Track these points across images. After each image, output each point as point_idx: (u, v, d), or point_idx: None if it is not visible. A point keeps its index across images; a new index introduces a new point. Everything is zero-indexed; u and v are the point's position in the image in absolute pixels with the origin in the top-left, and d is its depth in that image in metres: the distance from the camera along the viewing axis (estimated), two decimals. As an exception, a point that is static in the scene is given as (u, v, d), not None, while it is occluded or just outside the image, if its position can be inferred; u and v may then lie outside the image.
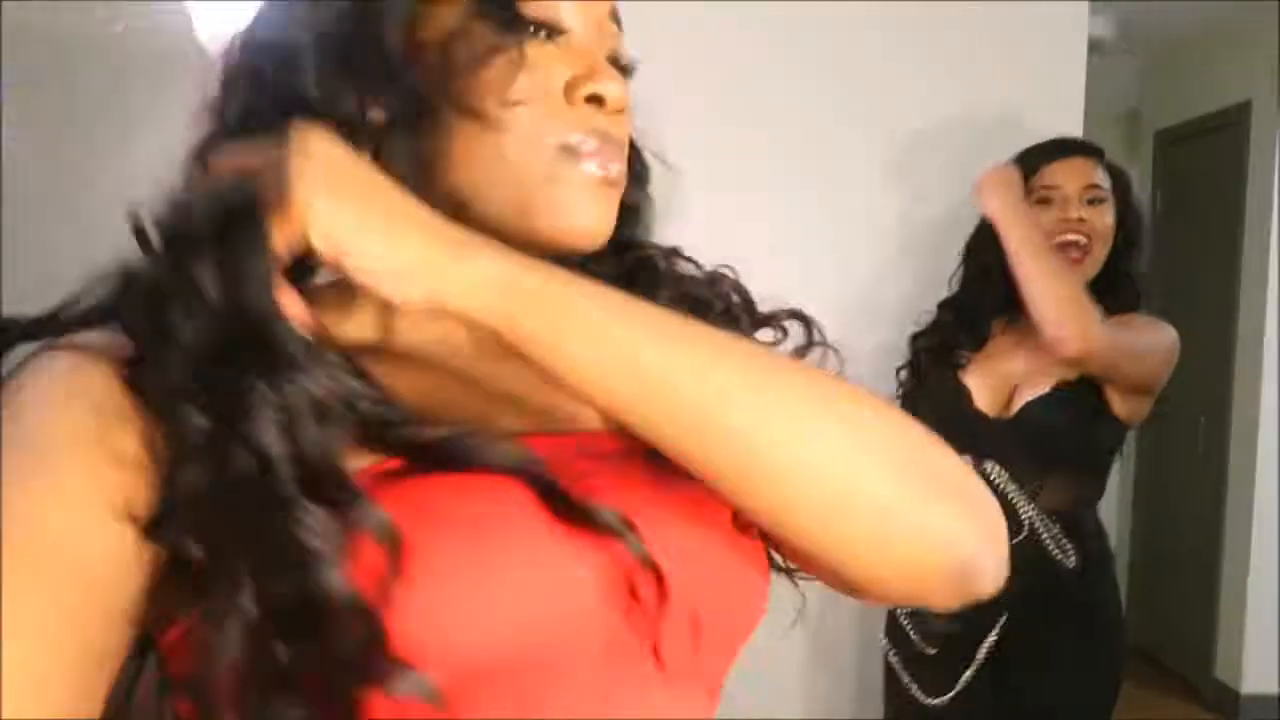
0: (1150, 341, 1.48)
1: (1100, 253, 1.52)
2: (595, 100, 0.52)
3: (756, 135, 1.90)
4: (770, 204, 1.92)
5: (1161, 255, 3.82)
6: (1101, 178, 1.53)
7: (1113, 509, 4.63)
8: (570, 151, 0.51)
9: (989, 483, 1.47)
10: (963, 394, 1.56)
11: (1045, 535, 1.49)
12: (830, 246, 1.94)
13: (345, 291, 0.51)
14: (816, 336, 0.61)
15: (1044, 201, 1.52)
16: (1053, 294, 1.38)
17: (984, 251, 1.56)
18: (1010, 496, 1.49)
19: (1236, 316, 3.29)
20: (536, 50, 0.51)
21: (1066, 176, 1.52)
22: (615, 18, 0.57)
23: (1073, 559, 1.48)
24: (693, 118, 1.70)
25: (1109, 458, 1.58)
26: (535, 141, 0.50)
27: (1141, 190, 4.02)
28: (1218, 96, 3.42)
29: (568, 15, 0.53)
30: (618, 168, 0.53)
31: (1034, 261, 1.41)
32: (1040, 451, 1.51)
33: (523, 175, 0.50)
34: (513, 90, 0.50)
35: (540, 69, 0.51)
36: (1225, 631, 3.29)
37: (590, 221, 0.51)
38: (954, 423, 1.51)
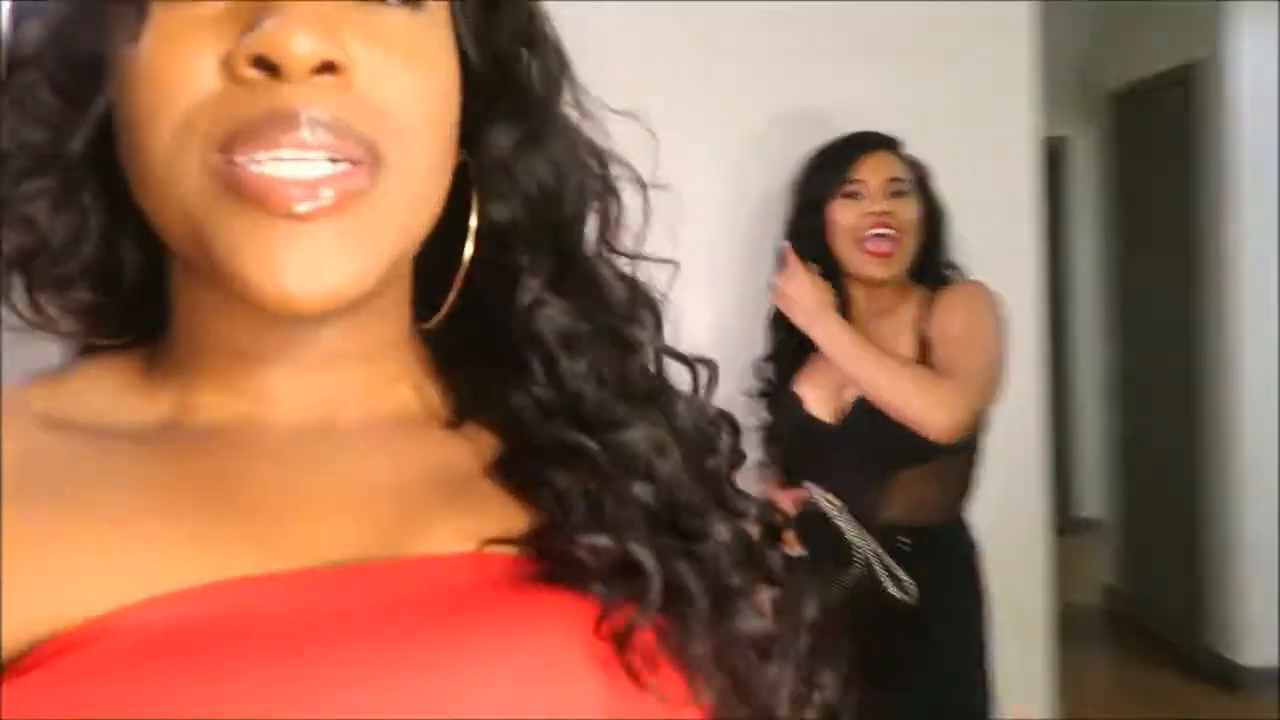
0: (986, 349, 1.47)
1: (910, 243, 1.52)
2: (264, 66, 0.33)
3: (682, 129, 1.80)
4: (712, 194, 1.82)
5: (1117, 218, 3.78)
6: (902, 170, 1.54)
7: (1099, 481, 4.59)
8: (225, 163, 0.33)
9: (816, 513, 1.45)
10: (796, 403, 1.54)
11: (878, 566, 1.44)
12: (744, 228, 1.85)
13: (138, 361, 0.41)
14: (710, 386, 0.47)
15: (851, 196, 1.52)
16: (898, 395, 1.41)
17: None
18: (843, 527, 1.45)
19: (1202, 281, 3.23)
20: (179, 7, 0.34)
21: (870, 171, 1.52)
22: None
23: (910, 592, 1.44)
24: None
25: (965, 453, 1.48)
26: (174, 153, 0.33)
27: (1098, 152, 3.98)
28: (1169, 55, 3.37)
29: None
30: (334, 191, 0.33)
31: (863, 369, 1.43)
32: (874, 454, 1.45)
33: (173, 210, 0.35)
34: (138, 82, 0.34)
35: (178, 32, 0.33)
36: (1219, 602, 3.23)
37: (285, 280, 0.33)
38: (794, 435, 1.53)
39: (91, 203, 0.38)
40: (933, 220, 1.56)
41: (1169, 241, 3.41)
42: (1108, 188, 3.86)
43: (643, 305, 0.45)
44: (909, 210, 1.51)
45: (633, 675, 0.34)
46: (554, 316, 0.42)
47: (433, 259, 0.41)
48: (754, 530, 0.44)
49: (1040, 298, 1.93)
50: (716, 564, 0.39)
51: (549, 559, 0.37)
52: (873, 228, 1.49)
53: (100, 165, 0.37)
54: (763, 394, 1.60)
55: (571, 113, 0.44)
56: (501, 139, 0.42)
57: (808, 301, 1.48)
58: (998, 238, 1.86)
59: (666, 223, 1.83)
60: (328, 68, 0.33)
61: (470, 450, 0.41)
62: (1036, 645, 1.91)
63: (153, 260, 0.39)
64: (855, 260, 1.51)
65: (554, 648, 0.34)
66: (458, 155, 0.40)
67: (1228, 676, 3.14)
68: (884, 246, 1.50)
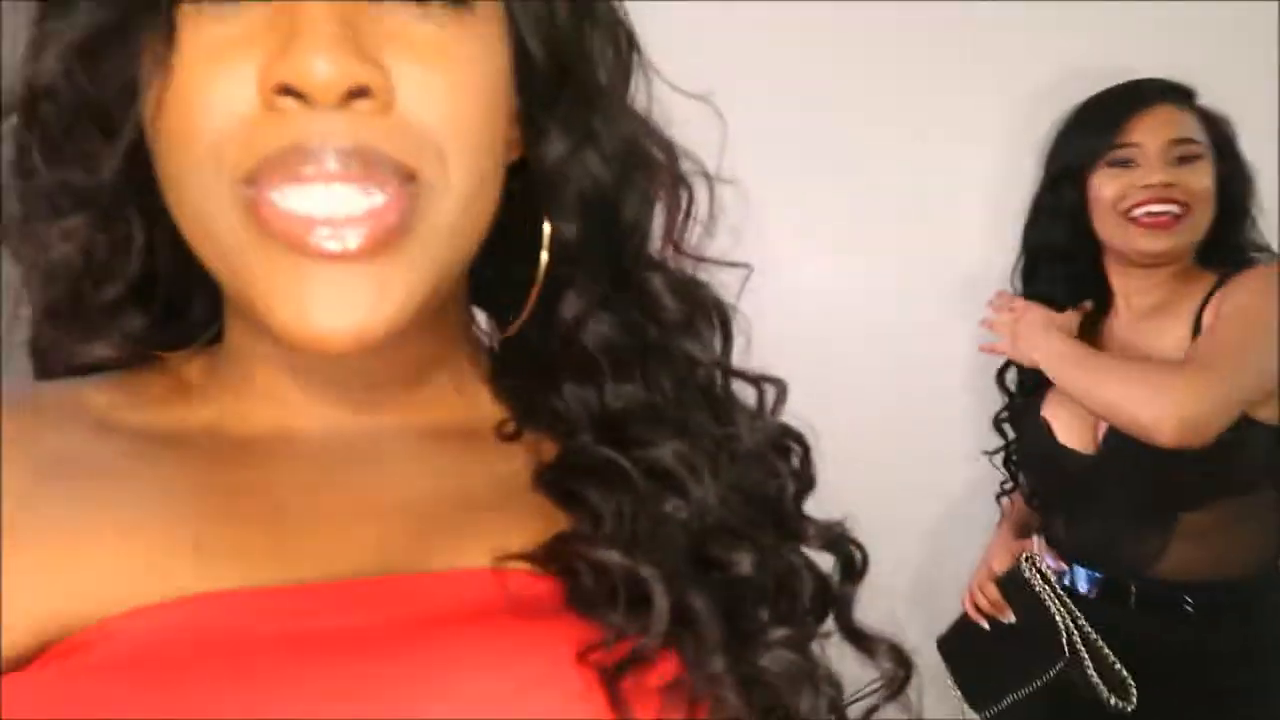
0: (1261, 335, 1.08)
1: (1202, 218, 1.19)
2: (291, 93, 0.32)
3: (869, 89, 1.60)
4: (890, 169, 1.59)
5: None
6: (1194, 129, 1.20)
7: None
8: (252, 196, 0.33)
9: (1025, 583, 1.22)
10: (1044, 429, 1.26)
11: (1088, 659, 1.15)
12: (953, 215, 1.60)
13: (167, 373, 0.42)
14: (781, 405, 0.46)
15: (1120, 164, 1.19)
16: (1109, 393, 1.10)
17: (1038, 242, 1.31)
18: (1049, 603, 1.19)
19: None
20: (210, 22, 0.33)
21: (1147, 131, 1.19)
22: None
23: (1130, 696, 1.12)
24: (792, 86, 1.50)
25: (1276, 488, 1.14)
26: (208, 182, 0.33)
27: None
28: None
29: None
30: (363, 232, 0.32)
31: (1073, 376, 1.15)
32: (1144, 492, 1.15)
33: (208, 238, 0.34)
34: (169, 110, 0.33)
35: (210, 53, 0.33)
36: None
37: (316, 323, 0.33)
38: (1042, 468, 1.29)
39: (135, 220, 0.38)
40: (1233, 189, 1.21)
41: None
42: None
43: (702, 318, 0.44)
44: (1200, 179, 1.18)
45: (618, 709, 0.33)
46: (601, 331, 0.42)
47: (495, 260, 0.41)
48: (821, 559, 0.43)
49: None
50: (741, 595, 0.38)
51: (560, 577, 0.37)
52: (1146, 204, 1.17)
53: (138, 182, 0.36)
54: (1005, 412, 1.37)
55: (638, 100, 0.42)
56: (558, 140, 0.40)
57: (1028, 326, 1.23)
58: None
59: (921, 205, 1.56)
60: (360, 92, 0.32)
61: (525, 462, 0.41)
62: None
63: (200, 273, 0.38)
64: (1123, 236, 1.19)
65: (540, 673, 0.33)
66: (516, 153, 0.39)
67: None
68: (1162, 218, 1.17)
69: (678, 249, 0.43)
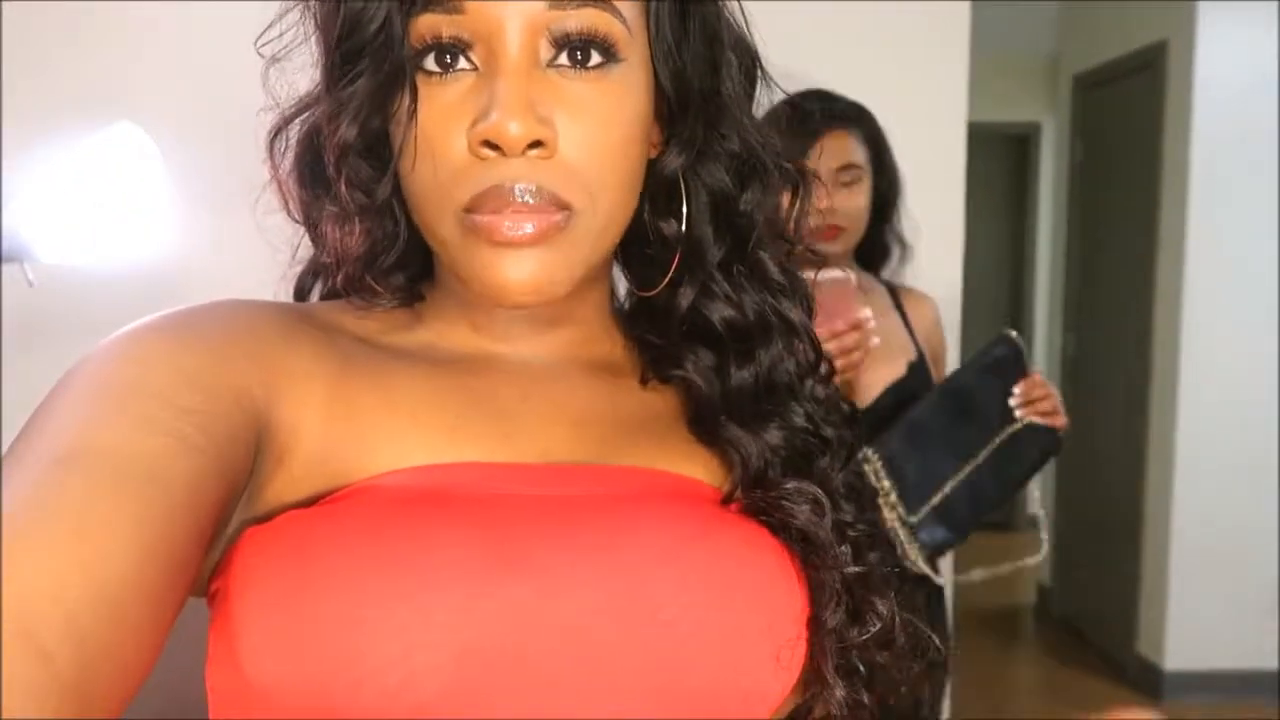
0: None
1: (855, 232, 1.46)
2: (491, 146, 0.47)
3: None
4: None
5: (1077, 204, 3.85)
6: (857, 152, 1.44)
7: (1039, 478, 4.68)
8: (468, 217, 0.49)
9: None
10: None
11: None
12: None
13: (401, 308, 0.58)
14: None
15: None
16: None
17: None
18: None
19: (1155, 275, 3.32)
20: (437, 89, 0.49)
21: (822, 158, 1.40)
22: None
23: None
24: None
25: None
26: (439, 208, 0.50)
27: (1060, 138, 4.03)
28: (1134, 37, 3.42)
29: (464, 25, 0.48)
30: (534, 224, 0.48)
31: None
32: None
33: (437, 239, 0.51)
34: (408, 148, 0.49)
35: (438, 114, 0.49)
36: (1148, 607, 3.35)
37: (505, 281, 0.49)
38: None
39: (400, 218, 0.55)
40: (884, 197, 1.50)
41: (1128, 230, 3.47)
42: (1069, 173, 3.91)
43: (799, 297, 0.60)
44: (857, 200, 1.45)
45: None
46: (720, 311, 0.57)
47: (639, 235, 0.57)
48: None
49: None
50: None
51: (750, 498, 0.54)
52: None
53: (398, 195, 0.53)
54: None
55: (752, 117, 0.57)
56: (679, 153, 0.54)
57: None
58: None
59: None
60: (536, 144, 0.48)
61: (658, 400, 0.59)
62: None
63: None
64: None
65: (694, 533, 0.49)
66: (657, 151, 0.55)
67: (1152, 680, 3.28)
68: (826, 233, 1.42)
69: (787, 238, 0.59)
